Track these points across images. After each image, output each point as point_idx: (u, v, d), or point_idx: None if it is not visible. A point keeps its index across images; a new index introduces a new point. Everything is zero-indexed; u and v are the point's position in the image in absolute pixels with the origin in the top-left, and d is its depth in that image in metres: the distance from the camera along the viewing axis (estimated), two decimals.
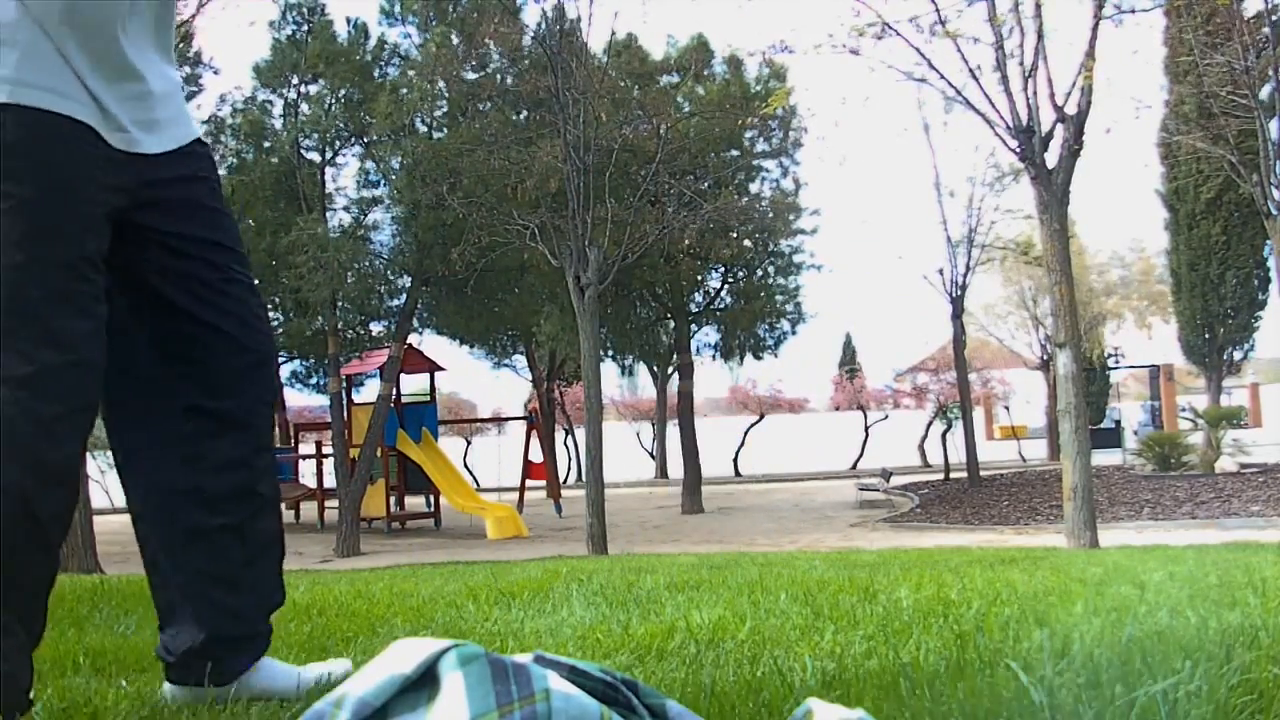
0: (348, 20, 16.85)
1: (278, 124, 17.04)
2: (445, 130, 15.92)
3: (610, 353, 22.42)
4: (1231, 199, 18.90)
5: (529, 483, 20.87)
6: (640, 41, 18.00)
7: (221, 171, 16.94)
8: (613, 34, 14.12)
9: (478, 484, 22.67)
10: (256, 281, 2.00)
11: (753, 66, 18.24)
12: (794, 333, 21.55)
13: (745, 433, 27.14)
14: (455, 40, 15.47)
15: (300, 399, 26.62)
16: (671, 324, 20.96)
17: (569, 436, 30.46)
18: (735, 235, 18.44)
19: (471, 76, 15.72)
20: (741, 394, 29.72)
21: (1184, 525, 12.91)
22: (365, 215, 17.26)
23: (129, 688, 1.95)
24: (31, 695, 1.59)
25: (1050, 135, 9.63)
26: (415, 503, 19.70)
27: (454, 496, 17.43)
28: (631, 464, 28.85)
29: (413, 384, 22.82)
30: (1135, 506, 14.64)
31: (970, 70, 9.78)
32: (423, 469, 17.85)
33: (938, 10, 9.77)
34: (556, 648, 2.32)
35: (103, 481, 26.47)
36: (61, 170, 1.61)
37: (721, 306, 20.69)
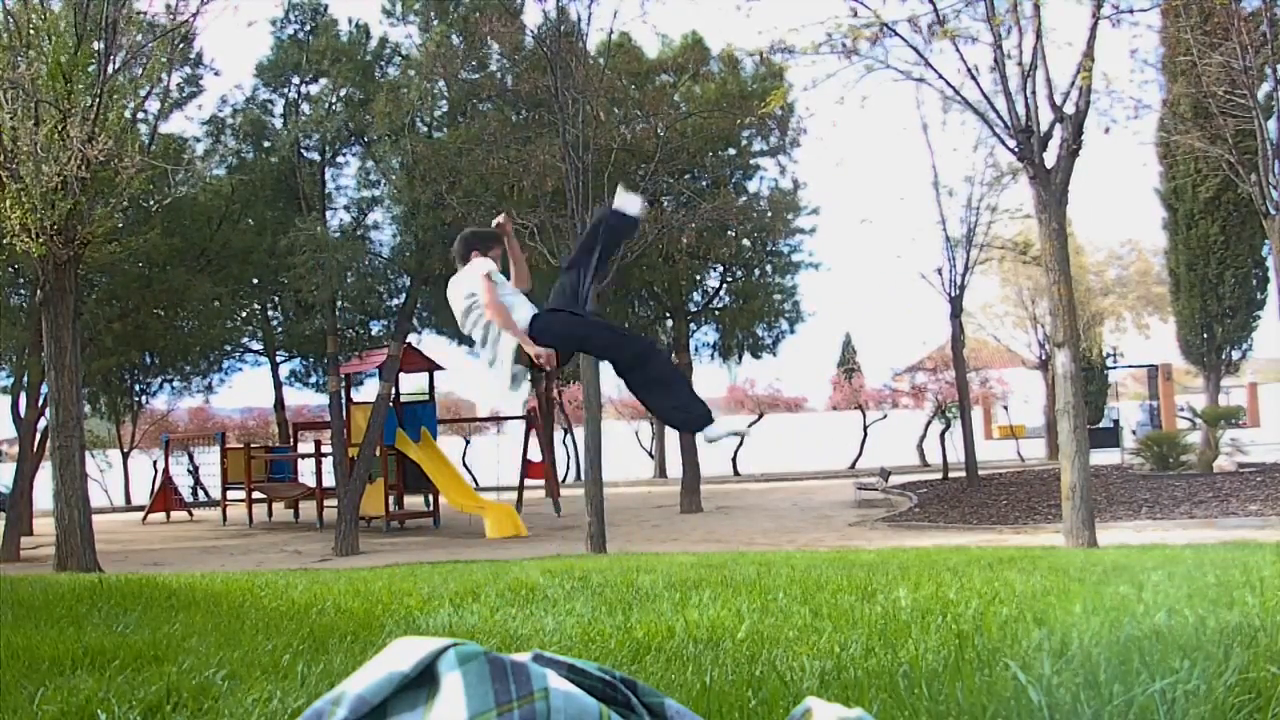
0: (349, 20, 16.87)
1: (278, 123, 17.04)
2: (445, 130, 15.90)
3: None
4: (1230, 199, 18.88)
5: (528, 482, 20.85)
6: (635, 41, 17.97)
7: (221, 171, 17.01)
8: (610, 34, 14.08)
9: (476, 483, 22.65)
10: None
11: (749, 65, 18.21)
12: (792, 332, 21.57)
13: None
14: (456, 40, 15.45)
15: (299, 398, 26.65)
16: (670, 323, 20.95)
17: (568, 435, 30.45)
18: (733, 234, 18.41)
19: (472, 76, 15.69)
20: (740, 393, 29.73)
21: (1182, 525, 12.91)
22: (365, 215, 17.25)
23: (128, 686, 1.95)
24: None
25: (1049, 135, 9.62)
26: (414, 502, 19.68)
27: (453, 495, 17.40)
28: (630, 463, 28.84)
29: (412, 383, 22.82)
30: (1133, 506, 14.63)
31: (969, 70, 9.77)
32: (421, 468, 17.83)
33: (936, 11, 9.75)
34: (556, 647, 2.32)
35: (102, 481, 26.46)
36: None
37: (720, 306, 20.69)
